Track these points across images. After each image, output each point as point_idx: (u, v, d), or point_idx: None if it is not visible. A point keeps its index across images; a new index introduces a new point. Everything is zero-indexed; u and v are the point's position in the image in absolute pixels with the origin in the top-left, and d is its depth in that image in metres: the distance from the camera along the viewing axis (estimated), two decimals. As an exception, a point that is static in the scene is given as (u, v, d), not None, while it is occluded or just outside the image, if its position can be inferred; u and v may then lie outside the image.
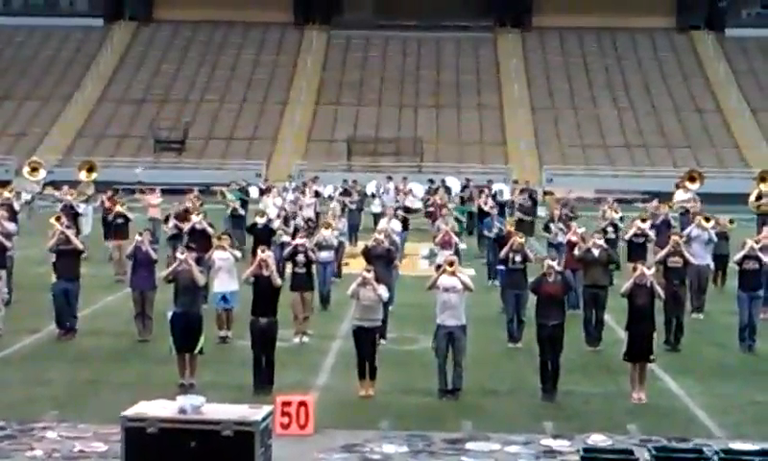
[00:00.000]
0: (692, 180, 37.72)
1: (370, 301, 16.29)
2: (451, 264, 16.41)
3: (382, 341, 17.63)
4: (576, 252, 21.00)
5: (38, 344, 19.76)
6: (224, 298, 19.85)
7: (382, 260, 20.17)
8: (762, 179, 37.24)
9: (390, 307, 19.61)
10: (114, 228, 27.68)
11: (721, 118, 62.90)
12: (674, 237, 20.83)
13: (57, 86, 65.68)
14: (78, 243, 20.56)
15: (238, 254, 20.61)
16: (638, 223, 24.61)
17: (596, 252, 20.25)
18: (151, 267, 20.13)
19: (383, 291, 16.49)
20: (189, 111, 63.42)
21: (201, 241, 21.79)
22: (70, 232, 20.67)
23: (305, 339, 19.96)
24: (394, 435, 14.08)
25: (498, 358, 18.87)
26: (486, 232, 26.87)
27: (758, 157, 57.56)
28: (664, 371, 17.72)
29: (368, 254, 20.50)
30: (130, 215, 27.78)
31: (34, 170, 39.42)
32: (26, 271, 25.60)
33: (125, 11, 72.66)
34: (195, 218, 24.15)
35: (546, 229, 25.48)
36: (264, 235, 23.87)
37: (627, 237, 24.55)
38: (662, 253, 20.75)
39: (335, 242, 24.34)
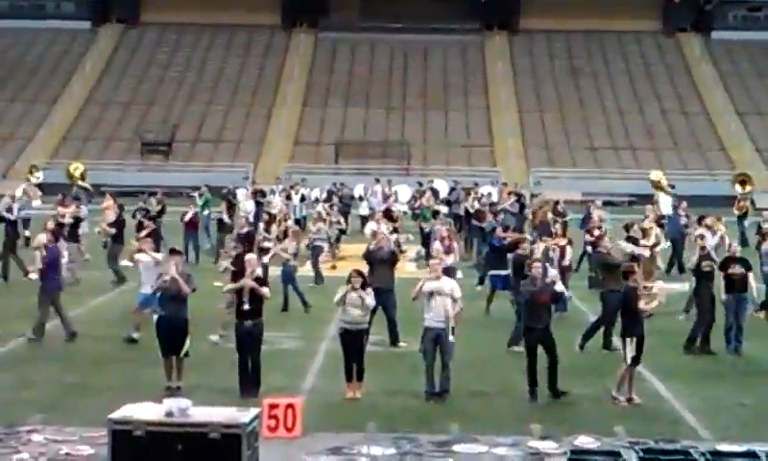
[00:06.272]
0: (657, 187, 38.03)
1: (356, 304, 16.22)
2: (436, 270, 16.48)
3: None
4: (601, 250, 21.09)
5: (25, 347, 19.70)
6: (146, 300, 19.84)
7: (386, 263, 20.09)
8: (742, 182, 37.64)
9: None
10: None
11: (707, 120, 63.10)
12: (700, 243, 20.90)
13: (43, 89, 65.59)
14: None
15: (159, 256, 20.39)
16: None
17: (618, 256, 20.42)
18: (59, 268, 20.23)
19: (370, 301, 16.43)
20: (176, 114, 63.38)
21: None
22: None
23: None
24: (381, 437, 14.06)
25: (485, 360, 18.86)
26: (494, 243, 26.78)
27: (744, 159, 57.79)
28: (652, 373, 17.74)
29: (370, 256, 20.33)
30: (81, 215, 28.29)
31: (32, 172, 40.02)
32: (15, 274, 25.59)
33: (112, 13, 72.60)
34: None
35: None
36: (246, 241, 24.01)
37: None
38: (694, 259, 20.72)
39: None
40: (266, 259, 22.43)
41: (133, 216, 28.57)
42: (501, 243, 23.66)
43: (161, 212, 31.63)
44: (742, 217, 34.42)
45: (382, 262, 19.99)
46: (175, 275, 16.64)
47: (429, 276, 16.44)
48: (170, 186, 45.41)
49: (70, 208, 29.06)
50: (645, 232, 25.08)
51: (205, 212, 33.16)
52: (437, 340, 16.06)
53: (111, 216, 29.01)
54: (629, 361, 16.14)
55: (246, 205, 34.18)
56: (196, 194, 34.47)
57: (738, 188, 37.20)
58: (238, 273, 16.55)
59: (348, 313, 16.24)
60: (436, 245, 24.36)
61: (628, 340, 16.17)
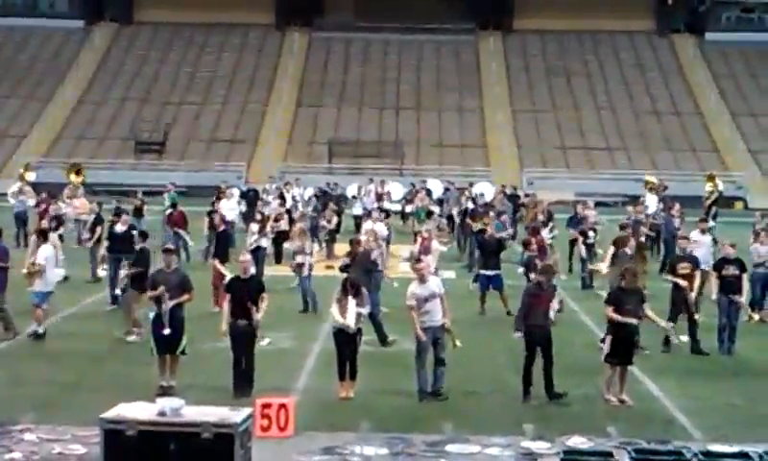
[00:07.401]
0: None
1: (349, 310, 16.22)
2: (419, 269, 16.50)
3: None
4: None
5: (16, 346, 19.67)
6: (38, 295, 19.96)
7: (360, 266, 20.09)
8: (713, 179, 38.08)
9: (382, 311, 19.76)
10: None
11: (701, 122, 63.18)
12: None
13: (37, 88, 65.51)
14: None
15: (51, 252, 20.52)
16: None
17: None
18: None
19: (365, 310, 16.43)
20: (170, 113, 63.34)
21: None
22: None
23: None
24: (373, 437, 14.06)
25: (478, 360, 18.86)
26: (502, 234, 26.76)
27: (737, 160, 57.90)
28: (644, 373, 17.76)
29: (347, 267, 20.23)
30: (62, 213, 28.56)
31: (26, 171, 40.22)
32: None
33: (105, 12, 72.56)
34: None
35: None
36: (223, 241, 24.03)
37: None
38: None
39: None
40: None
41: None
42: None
43: (138, 212, 32.02)
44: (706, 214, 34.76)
45: (359, 265, 20.04)
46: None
47: (416, 281, 16.40)
48: (163, 186, 45.32)
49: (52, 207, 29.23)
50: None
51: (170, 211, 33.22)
52: (433, 337, 16.08)
53: (89, 217, 29.00)
54: (602, 358, 16.30)
55: (229, 203, 34.07)
56: (171, 192, 34.57)
57: (707, 187, 37.74)
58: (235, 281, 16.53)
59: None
60: (416, 247, 24.45)
61: (608, 338, 16.29)
